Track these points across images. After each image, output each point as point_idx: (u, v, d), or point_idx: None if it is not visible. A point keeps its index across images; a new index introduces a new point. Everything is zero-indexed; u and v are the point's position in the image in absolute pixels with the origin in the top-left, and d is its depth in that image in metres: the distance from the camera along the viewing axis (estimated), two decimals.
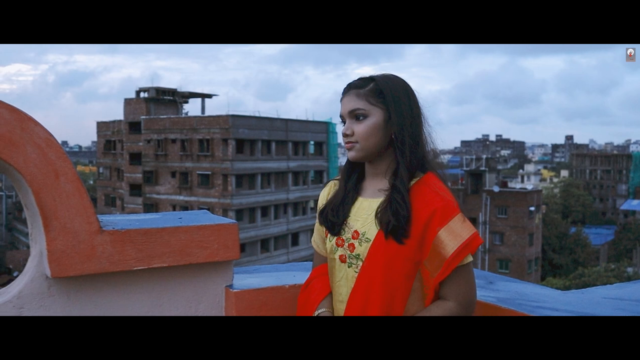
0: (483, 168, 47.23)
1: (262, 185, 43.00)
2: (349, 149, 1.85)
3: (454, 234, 1.73)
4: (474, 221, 39.74)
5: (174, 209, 41.71)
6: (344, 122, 1.88)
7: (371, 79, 1.86)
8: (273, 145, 43.97)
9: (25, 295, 1.94)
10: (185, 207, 41.78)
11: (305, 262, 2.70)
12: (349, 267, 1.86)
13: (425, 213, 1.74)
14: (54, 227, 1.89)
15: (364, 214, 1.86)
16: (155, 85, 50.52)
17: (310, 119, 50.56)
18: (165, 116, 46.14)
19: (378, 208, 1.81)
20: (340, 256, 1.88)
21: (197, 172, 42.03)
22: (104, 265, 1.96)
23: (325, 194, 2.03)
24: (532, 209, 45.25)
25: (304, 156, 47.75)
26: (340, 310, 1.88)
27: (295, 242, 45.99)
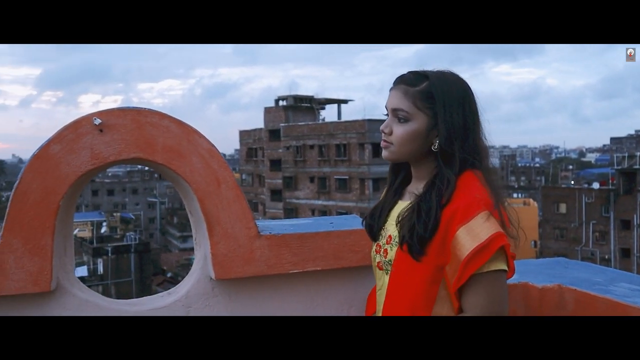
0: (637, 166, 43.74)
1: None
2: (384, 148, 1.71)
3: (473, 234, 1.50)
4: (627, 224, 37.03)
5: (313, 214, 42.71)
6: (387, 114, 1.72)
7: (425, 76, 1.66)
8: None
9: (192, 295, 2.09)
10: (324, 211, 42.59)
11: None
12: (385, 274, 1.72)
13: (447, 213, 1.55)
14: (217, 232, 2.02)
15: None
16: (293, 93, 52.07)
17: None
18: (303, 123, 47.39)
19: (399, 214, 1.67)
20: (378, 263, 1.76)
21: (335, 176, 42.74)
22: (262, 269, 2.06)
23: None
24: None
25: None
26: None
27: None
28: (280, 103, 51.38)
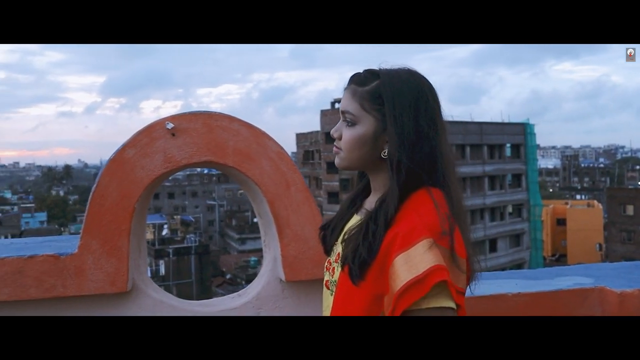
0: None
1: None
2: (335, 154, 1.54)
3: (410, 264, 1.28)
4: None
5: None
6: None
7: (377, 75, 1.47)
8: (467, 149, 43.04)
9: (262, 297, 2.11)
10: None
11: (525, 270, 2.61)
12: (331, 295, 1.54)
13: (389, 236, 1.35)
14: (286, 234, 2.03)
15: None
16: None
17: (506, 120, 48.71)
18: None
19: (345, 232, 1.48)
20: (326, 282, 1.58)
21: None
22: None
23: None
24: None
25: (500, 159, 46.04)
26: None
27: (493, 248, 44.43)
28: (337, 106, 51.40)
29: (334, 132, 1.52)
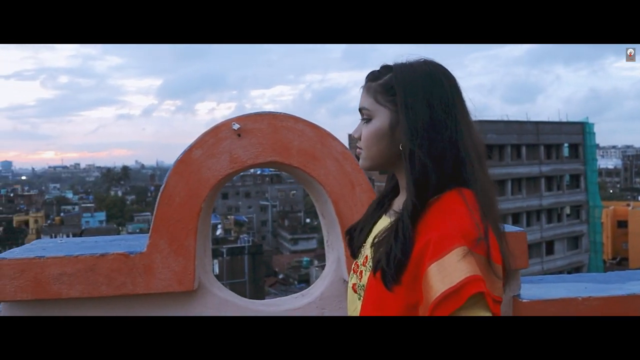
0: None
1: (513, 191, 41.42)
2: (358, 156, 1.50)
3: (444, 274, 1.21)
4: None
5: None
6: None
7: (390, 68, 1.42)
8: (523, 149, 42.15)
9: (326, 297, 2.11)
10: None
11: (594, 274, 2.52)
12: (359, 299, 1.47)
13: (419, 245, 1.28)
14: None
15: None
16: None
17: (563, 119, 47.48)
18: None
19: (376, 236, 1.41)
20: (353, 285, 1.52)
21: None
22: None
23: None
24: None
25: (558, 160, 44.90)
26: None
27: (550, 250, 43.38)
28: None
29: (354, 133, 1.48)
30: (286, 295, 2.41)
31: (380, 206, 1.55)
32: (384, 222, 1.45)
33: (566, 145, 45.95)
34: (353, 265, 1.54)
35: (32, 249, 2.09)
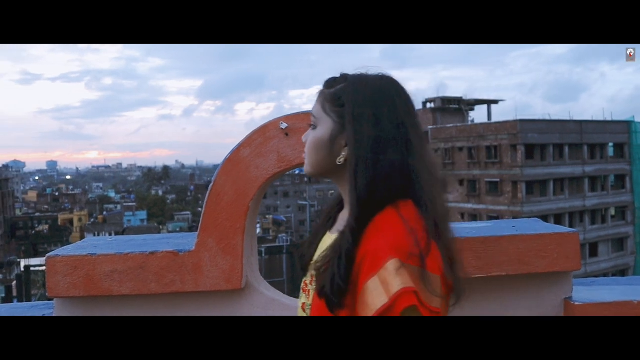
0: None
1: (555, 192, 40.64)
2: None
3: (379, 290, 1.17)
4: None
5: (462, 217, 41.73)
6: None
7: (345, 78, 1.39)
8: (566, 149, 41.30)
9: None
10: (474, 215, 41.46)
11: None
12: None
13: (356, 263, 1.23)
14: None
15: None
16: (441, 95, 51.39)
17: (608, 118, 46.34)
18: (451, 125, 46.55)
19: (319, 256, 1.36)
20: (302, 304, 1.47)
21: (485, 179, 41.45)
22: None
23: None
24: None
25: (602, 159, 43.86)
26: None
27: (593, 253, 42.40)
28: (428, 105, 50.88)
29: (303, 137, 1.46)
30: None
31: (328, 218, 1.51)
32: (328, 240, 1.42)
33: (611, 144, 44.85)
34: (302, 284, 1.51)
35: (84, 246, 2.13)
